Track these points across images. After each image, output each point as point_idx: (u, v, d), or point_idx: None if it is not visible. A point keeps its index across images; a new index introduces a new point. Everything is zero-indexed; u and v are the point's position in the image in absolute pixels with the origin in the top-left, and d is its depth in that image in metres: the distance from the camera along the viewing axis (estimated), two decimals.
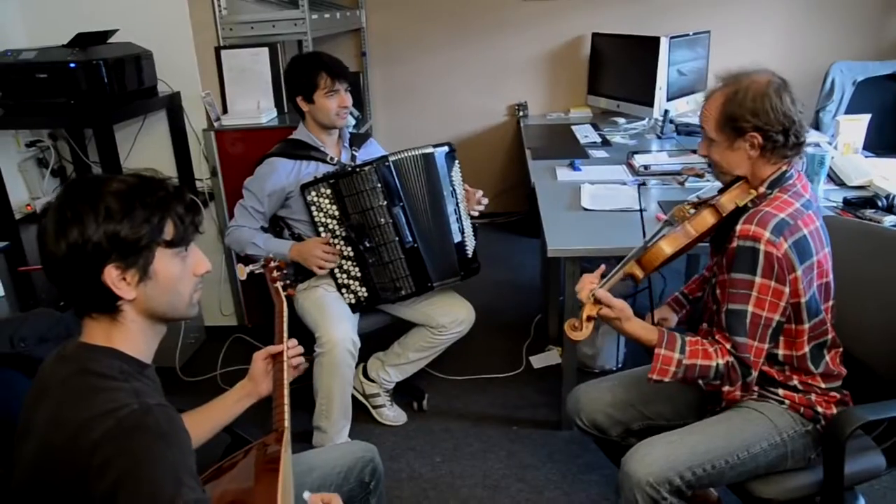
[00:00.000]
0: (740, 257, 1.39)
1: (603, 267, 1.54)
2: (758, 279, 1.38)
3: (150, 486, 0.88)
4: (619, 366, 2.69)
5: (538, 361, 2.79)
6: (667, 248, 1.48)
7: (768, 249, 1.36)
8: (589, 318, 1.45)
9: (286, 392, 1.32)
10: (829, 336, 1.49)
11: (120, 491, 0.88)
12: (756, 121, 1.39)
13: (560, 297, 2.87)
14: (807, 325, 1.44)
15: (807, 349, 1.46)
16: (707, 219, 1.47)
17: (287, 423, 1.24)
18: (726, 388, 1.46)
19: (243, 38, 2.84)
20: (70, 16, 2.55)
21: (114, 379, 0.99)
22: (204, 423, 1.36)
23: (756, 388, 1.54)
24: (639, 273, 1.50)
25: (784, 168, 1.45)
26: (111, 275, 0.99)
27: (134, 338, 1.05)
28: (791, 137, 1.41)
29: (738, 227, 1.40)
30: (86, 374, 0.99)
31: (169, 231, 1.02)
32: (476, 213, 2.37)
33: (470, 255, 2.35)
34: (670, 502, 1.42)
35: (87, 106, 2.29)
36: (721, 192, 1.51)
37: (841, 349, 1.53)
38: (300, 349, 1.47)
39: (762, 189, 1.45)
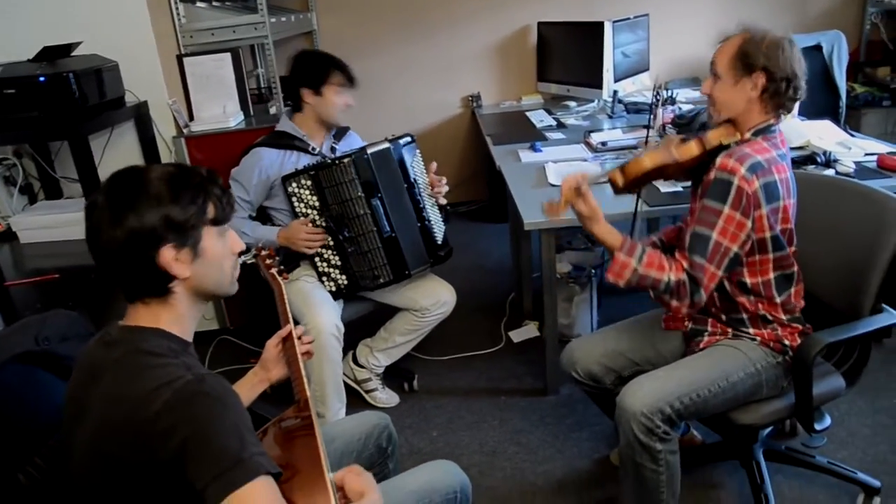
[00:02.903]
0: (714, 187, 1.54)
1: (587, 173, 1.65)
2: (726, 209, 1.53)
3: (216, 444, 0.96)
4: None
5: (517, 336, 2.92)
6: (648, 161, 1.59)
7: (741, 184, 1.51)
8: (566, 202, 1.56)
9: (301, 365, 1.39)
10: (794, 269, 1.65)
11: (188, 452, 0.95)
12: (766, 62, 1.53)
13: (534, 273, 3.01)
14: (771, 256, 1.60)
15: (772, 276, 1.62)
16: (692, 148, 1.60)
17: (308, 393, 1.32)
18: (674, 303, 1.57)
19: (204, 44, 2.88)
20: (29, 30, 2.54)
21: (164, 356, 1.05)
22: None
23: (730, 330, 1.70)
24: (619, 179, 1.62)
25: (771, 121, 1.61)
26: (167, 256, 1.07)
27: (180, 318, 1.13)
28: (790, 90, 1.55)
29: (718, 161, 1.55)
30: (138, 354, 1.05)
31: (211, 210, 1.12)
32: (444, 201, 2.47)
33: (440, 242, 2.46)
34: (663, 430, 1.56)
35: (58, 119, 2.30)
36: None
37: (802, 285, 1.70)
38: (310, 336, 1.56)
39: (747, 135, 1.61)
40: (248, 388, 1.48)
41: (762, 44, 1.55)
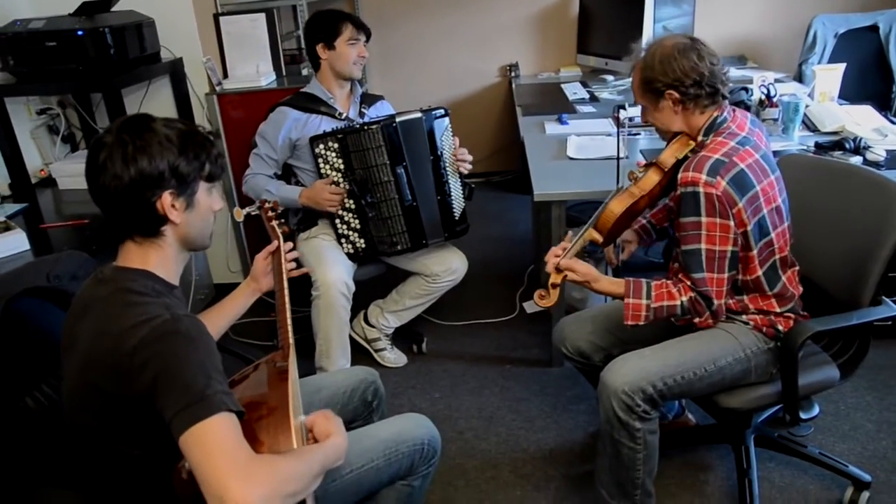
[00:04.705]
0: (684, 203, 1.54)
1: (570, 234, 1.68)
2: (703, 219, 1.51)
3: (183, 380, 1.03)
4: None
5: (531, 307, 2.94)
6: (616, 207, 1.61)
7: (707, 190, 1.49)
8: (554, 286, 1.60)
9: (288, 315, 1.46)
10: (778, 255, 1.62)
11: (158, 386, 1.03)
12: (667, 79, 1.55)
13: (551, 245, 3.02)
14: (755, 251, 1.58)
15: (760, 272, 1.60)
16: (651, 177, 1.61)
17: (291, 340, 1.39)
18: (697, 320, 1.60)
19: (240, 4, 2.95)
20: None
21: (147, 295, 1.13)
22: (219, 319, 1.56)
23: (724, 313, 1.68)
24: (598, 237, 1.64)
25: (715, 114, 1.59)
26: (166, 201, 1.15)
27: (166, 260, 1.21)
28: (706, 88, 1.54)
29: (679, 176, 1.54)
30: (124, 292, 1.13)
31: (207, 168, 1.20)
32: (465, 172, 2.47)
33: (458, 217, 2.48)
34: (643, 409, 1.57)
35: (95, 72, 2.41)
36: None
37: (797, 268, 1.67)
38: (294, 253, 1.67)
39: (699, 138, 1.59)
40: (242, 297, 1.61)
41: (654, 63, 1.55)
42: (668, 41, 1.58)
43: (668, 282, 1.59)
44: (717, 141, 1.57)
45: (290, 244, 1.65)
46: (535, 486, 2.00)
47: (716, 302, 1.55)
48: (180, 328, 1.07)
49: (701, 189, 1.49)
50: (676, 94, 1.56)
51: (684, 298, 1.55)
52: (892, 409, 2.18)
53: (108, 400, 1.10)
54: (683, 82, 1.54)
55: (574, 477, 2.02)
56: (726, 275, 1.55)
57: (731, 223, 1.52)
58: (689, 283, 1.56)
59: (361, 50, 2.40)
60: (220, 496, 0.94)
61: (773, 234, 1.59)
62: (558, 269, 1.61)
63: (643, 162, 1.72)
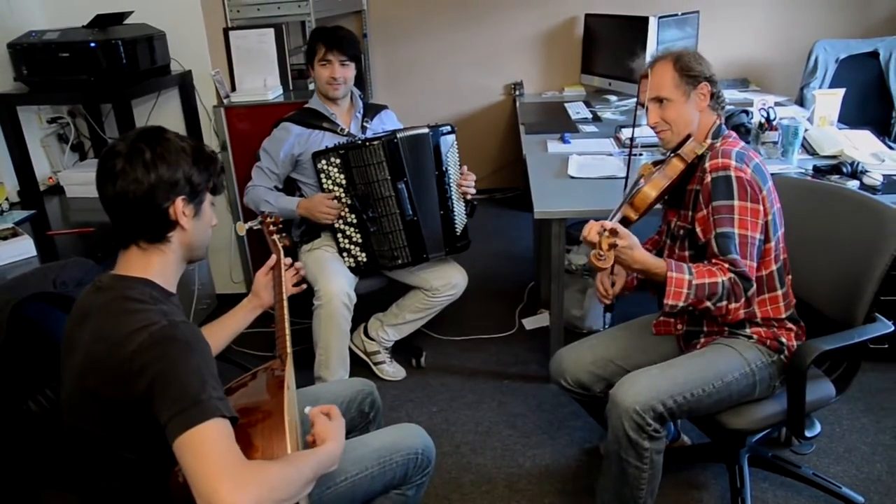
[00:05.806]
0: (717, 187, 1.59)
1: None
2: (736, 202, 1.57)
3: (179, 384, 1.05)
4: (606, 326, 2.85)
5: (530, 324, 2.96)
6: (652, 191, 1.65)
7: (738, 174, 1.57)
8: (610, 247, 1.52)
9: (287, 325, 1.49)
10: (783, 256, 1.68)
11: (154, 390, 1.06)
12: (705, 72, 1.65)
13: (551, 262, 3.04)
14: (772, 242, 1.63)
15: (774, 268, 1.65)
16: (677, 165, 1.66)
17: (289, 350, 1.41)
18: (732, 306, 1.58)
19: (250, 19, 3.00)
20: None
21: (146, 302, 1.16)
22: (221, 333, 1.60)
23: (726, 328, 1.71)
24: (633, 215, 1.67)
25: (718, 122, 1.69)
26: (178, 207, 1.20)
27: (167, 267, 1.24)
28: (721, 91, 1.70)
29: (708, 165, 1.61)
30: (122, 300, 1.16)
31: (212, 181, 1.26)
32: (472, 193, 2.49)
33: (459, 233, 2.50)
34: (654, 428, 1.57)
35: (106, 83, 2.46)
36: (676, 149, 1.69)
37: (790, 276, 1.73)
38: (299, 271, 1.69)
39: (708, 141, 1.67)
40: (244, 313, 1.66)
41: (692, 58, 1.66)
42: (686, 47, 1.72)
43: (703, 263, 1.60)
44: (727, 142, 1.66)
45: (290, 260, 1.68)
46: (531, 501, 2.01)
47: (752, 284, 1.57)
48: (177, 334, 1.10)
49: (732, 173, 1.57)
50: (710, 87, 1.66)
51: (724, 278, 1.54)
52: (887, 432, 2.18)
53: (106, 405, 1.12)
54: (713, 79, 1.67)
55: (569, 493, 2.03)
56: (754, 265, 1.59)
57: (760, 207, 1.58)
58: (726, 264, 1.56)
59: (333, 71, 2.37)
60: (210, 501, 0.96)
61: (779, 233, 1.65)
62: (611, 233, 1.52)
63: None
